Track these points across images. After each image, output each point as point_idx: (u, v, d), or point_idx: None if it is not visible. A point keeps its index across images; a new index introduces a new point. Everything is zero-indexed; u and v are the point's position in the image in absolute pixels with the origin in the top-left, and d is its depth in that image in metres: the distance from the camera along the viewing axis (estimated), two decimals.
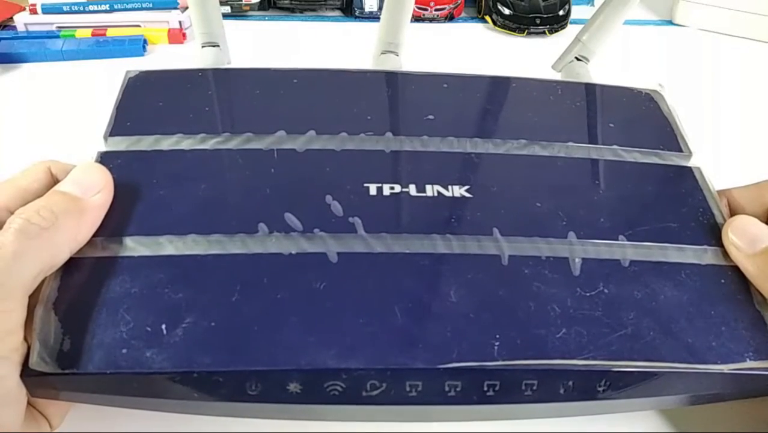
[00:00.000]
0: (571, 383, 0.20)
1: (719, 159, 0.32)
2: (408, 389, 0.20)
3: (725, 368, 0.20)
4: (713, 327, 0.21)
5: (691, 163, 0.28)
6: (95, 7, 0.56)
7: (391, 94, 0.30)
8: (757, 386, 0.21)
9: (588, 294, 0.22)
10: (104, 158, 0.25)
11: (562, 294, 0.21)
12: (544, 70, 0.37)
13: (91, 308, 0.20)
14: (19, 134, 0.42)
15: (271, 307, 0.20)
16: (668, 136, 0.29)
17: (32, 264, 0.19)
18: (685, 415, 0.25)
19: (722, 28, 0.62)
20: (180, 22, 0.55)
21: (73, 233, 0.21)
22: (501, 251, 0.23)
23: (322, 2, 0.64)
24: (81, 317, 0.20)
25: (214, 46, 0.34)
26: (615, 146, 0.28)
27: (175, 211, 0.23)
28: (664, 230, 0.24)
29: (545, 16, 0.59)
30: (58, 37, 0.53)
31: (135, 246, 0.22)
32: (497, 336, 0.20)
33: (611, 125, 0.29)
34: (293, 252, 0.22)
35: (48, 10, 0.56)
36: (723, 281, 0.23)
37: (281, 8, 0.64)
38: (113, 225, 0.22)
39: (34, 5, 0.55)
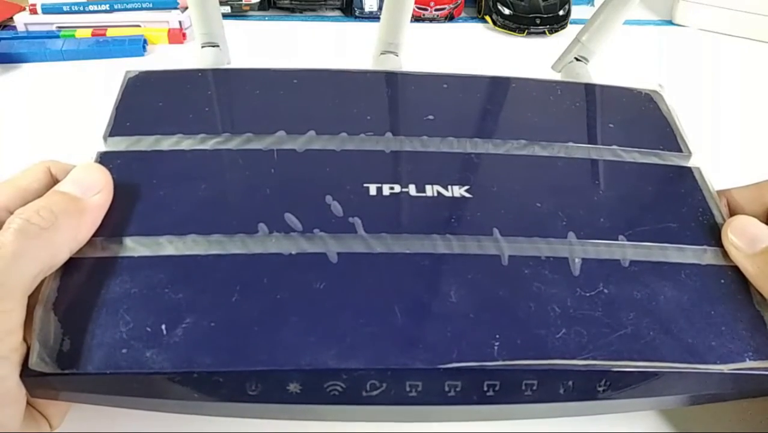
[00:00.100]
0: (571, 383, 0.20)
1: (719, 159, 0.32)
2: (408, 389, 0.20)
3: (725, 368, 0.20)
4: (713, 327, 0.21)
5: (691, 163, 0.28)
6: (95, 7, 0.56)
7: (391, 95, 0.30)
8: (757, 386, 0.21)
9: (588, 294, 0.22)
10: (104, 158, 0.25)
11: (562, 294, 0.21)
12: (544, 70, 0.37)
13: (90, 308, 0.20)
14: (19, 134, 0.42)
15: (271, 307, 0.20)
16: (668, 136, 0.29)
17: (32, 264, 0.19)
18: (685, 415, 0.25)
19: (722, 28, 0.62)
20: (180, 22, 0.55)
21: (73, 233, 0.21)
22: (501, 251, 0.23)
23: (322, 2, 0.64)
24: (81, 318, 0.20)
25: (214, 46, 0.34)
26: (615, 146, 0.28)
27: (175, 212, 0.23)
28: (663, 230, 0.24)
29: (545, 16, 0.59)
30: (58, 37, 0.53)
31: (135, 246, 0.22)
32: (497, 336, 0.20)
33: (611, 125, 0.29)
34: (293, 252, 0.22)
35: (48, 10, 0.56)
36: (723, 281, 0.23)
37: (281, 8, 0.64)
38: (113, 225, 0.22)
39: (34, 5, 0.55)
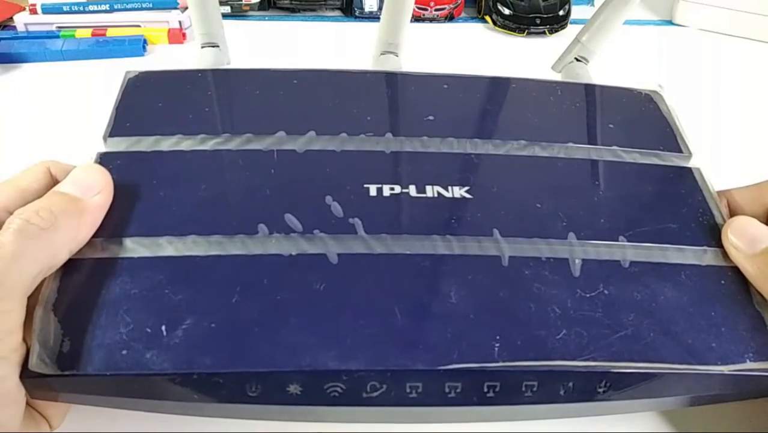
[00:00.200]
0: (571, 384, 0.20)
1: (719, 159, 0.32)
2: (408, 390, 0.20)
3: (725, 369, 0.20)
4: (713, 328, 0.21)
5: (691, 163, 0.28)
6: (95, 7, 0.56)
7: (391, 95, 0.30)
8: (757, 387, 0.21)
9: (588, 295, 0.22)
10: (104, 159, 0.25)
11: (562, 295, 0.21)
12: (544, 71, 0.37)
13: (90, 309, 0.20)
14: (19, 134, 0.42)
15: (272, 308, 0.20)
16: (668, 136, 0.29)
17: (31, 264, 0.19)
18: (685, 415, 0.25)
19: (722, 28, 0.62)
20: (180, 22, 0.55)
21: (73, 234, 0.21)
22: (501, 251, 0.23)
23: (322, 2, 0.64)
24: (81, 319, 0.20)
25: (213, 46, 0.34)
26: (615, 147, 0.28)
27: (175, 212, 0.23)
28: (664, 230, 0.24)
29: (545, 16, 0.59)
30: (58, 37, 0.53)
31: (135, 247, 0.22)
32: (497, 337, 0.20)
33: (611, 126, 0.29)
34: (293, 253, 0.22)
35: (48, 10, 0.56)
36: (723, 281, 0.23)
37: (281, 8, 0.64)
38: (113, 226, 0.22)
39: (34, 5, 0.55)
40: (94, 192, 0.22)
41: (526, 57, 0.57)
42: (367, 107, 0.28)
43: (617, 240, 0.23)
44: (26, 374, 0.19)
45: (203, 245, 0.22)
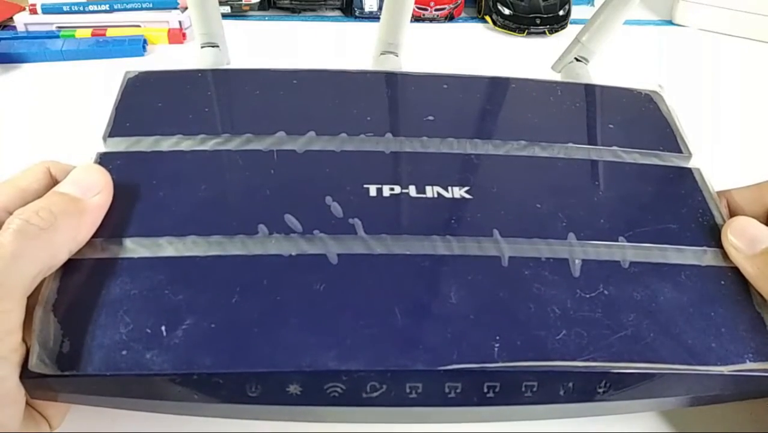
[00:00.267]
0: (571, 384, 0.20)
1: (719, 160, 0.32)
2: (408, 390, 0.20)
3: (725, 369, 0.20)
4: (713, 328, 0.21)
5: (691, 164, 0.28)
6: (95, 7, 0.56)
7: (390, 95, 0.30)
8: (756, 388, 0.21)
9: (588, 295, 0.22)
10: (103, 159, 0.25)
11: (562, 295, 0.21)
12: (544, 71, 0.37)
13: (90, 309, 0.20)
14: (19, 134, 0.42)
15: (271, 308, 0.20)
16: (668, 137, 0.29)
17: (31, 264, 0.19)
18: (685, 416, 0.25)
19: (722, 28, 0.62)
20: (180, 22, 0.55)
21: (73, 234, 0.21)
22: (501, 252, 0.23)
23: (322, 2, 0.64)
24: (80, 319, 0.20)
25: (213, 46, 0.34)
26: (615, 147, 0.28)
27: (175, 213, 0.23)
28: (663, 231, 0.24)
29: (545, 16, 0.59)
30: (58, 37, 0.53)
31: (135, 247, 0.22)
32: (497, 338, 0.20)
33: (611, 126, 0.29)
34: (293, 253, 0.22)
35: (48, 10, 0.56)
36: (723, 282, 0.23)
37: (281, 8, 0.64)
38: (113, 226, 0.22)
39: (34, 5, 0.55)
40: (93, 192, 0.22)
41: (526, 57, 0.57)
42: (367, 107, 0.28)
43: (617, 240, 0.23)
44: (26, 374, 0.19)
45: (203, 245, 0.22)
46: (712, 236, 0.24)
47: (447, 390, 0.20)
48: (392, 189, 0.24)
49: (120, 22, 0.55)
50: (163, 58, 0.53)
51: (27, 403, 0.20)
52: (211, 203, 0.23)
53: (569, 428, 0.24)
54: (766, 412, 0.24)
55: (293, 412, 0.21)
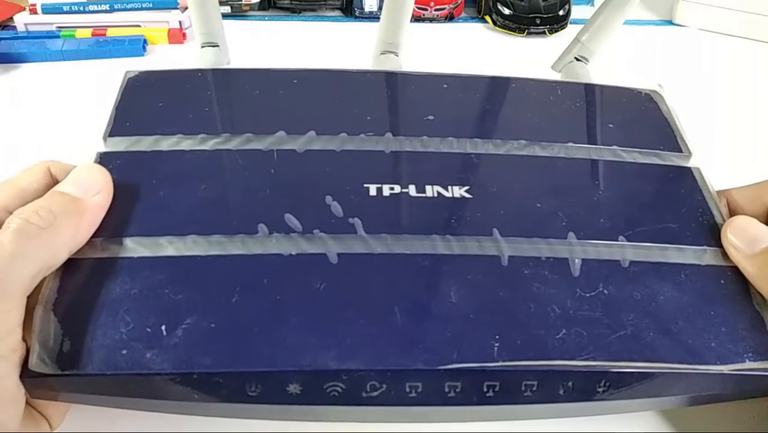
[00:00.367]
0: (570, 383, 0.20)
1: (719, 159, 0.32)
2: (408, 390, 0.20)
3: (725, 368, 0.20)
4: (713, 328, 0.21)
5: (691, 163, 0.28)
6: (95, 7, 0.56)
7: (390, 95, 0.30)
8: (756, 387, 0.21)
9: (588, 295, 0.22)
10: (103, 159, 0.25)
11: (561, 295, 0.21)
12: (544, 70, 0.37)
13: (90, 309, 0.20)
14: (19, 134, 0.42)
15: (271, 308, 0.20)
16: (668, 136, 0.29)
17: (31, 264, 0.19)
18: (685, 415, 0.25)
19: (722, 28, 0.62)
20: (180, 22, 0.55)
21: (72, 234, 0.21)
22: (501, 251, 0.23)
23: (322, 2, 0.64)
24: (81, 318, 0.20)
25: (213, 46, 0.34)
26: (615, 147, 0.28)
27: (175, 212, 0.23)
28: (663, 230, 0.24)
29: (545, 16, 0.59)
30: (58, 37, 0.53)
31: (135, 247, 0.22)
32: (497, 337, 0.20)
33: (611, 126, 0.29)
34: (293, 253, 0.22)
35: (48, 10, 0.56)
36: (722, 281, 0.23)
37: (281, 8, 0.64)
38: (113, 226, 0.22)
39: (34, 5, 0.55)
40: (93, 192, 0.22)
41: (526, 57, 0.57)
42: (367, 107, 0.28)
43: (617, 240, 0.23)
44: (26, 374, 0.19)
45: (203, 244, 0.22)
46: (712, 235, 0.24)
47: (447, 389, 0.20)
48: (392, 188, 0.24)
49: (120, 22, 0.55)
50: (163, 58, 0.53)
51: (27, 403, 0.20)
52: (211, 203, 0.23)
53: (569, 428, 0.24)
54: (766, 412, 0.24)
55: (293, 411, 0.21)
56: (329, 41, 0.59)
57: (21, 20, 0.55)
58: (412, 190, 0.24)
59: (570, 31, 0.60)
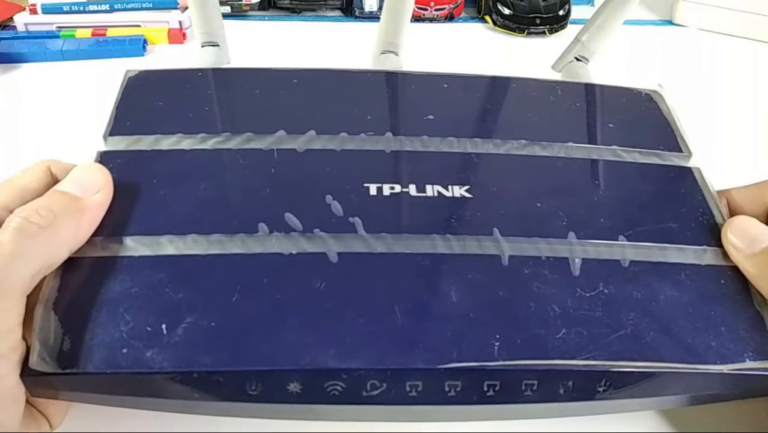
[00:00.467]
0: (571, 383, 0.20)
1: (719, 159, 0.32)
2: (408, 389, 0.20)
3: (725, 368, 0.20)
4: (713, 327, 0.21)
5: (691, 163, 0.28)
6: (95, 7, 0.56)
7: (391, 94, 0.30)
8: (756, 387, 0.21)
9: (588, 294, 0.22)
10: (104, 158, 0.25)
11: (562, 294, 0.21)
12: (544, 70, 0.37)
13: (91, 307, 0.20)
14: (19, 134, 0.42)
15: (272, 307, 0.20)
16: (668, 136, 0.29)
17: (31, 263, 0.19)
18: (685, 415, 0.25)
19: (722, 28, 0.62)
20: (180, 22, 0.55)
21: (73, 232, 0.21)
22: (501, 251, 0.23)
23: (322, 2, 0.64)
24: (81, 317, 0.20)
25: (214, 45, 0.34)
26: (615, 147, 0.28)
27: (176, 211, 0.23)
28: (663, 230, 0.24)
29: (545, 16, 0.59)
30: (58, 37, 0.53)
31: (135, 246, 0.22)
32: (497, 336, 0.20)
33: (611, 125, 0.29)
34: (293, 252, 0.22)
35: (48, 10, 0.56)
36: (723, 281, 0.23)
37: (281, 8, 0.64)
38: (113, 225, 0.22)
39: (34, 5, 0.55)
40: (94, 191, 0.22)
41: (526, 57, 0.57)
42: (367, 107, 0.28)
43: (617, 239, 0.23)
44: (26, 373, 0.19)
45: (203, 243, 0.22)
46: (712, 235, 0.24)
47: (447, 389, 0.20)
48: (392, 188, 0.24)
49: (120, 22, 0.55)
50: (163, 58, 0.53)
51: (27, 401, 0.20)
52: (211, 202, 0.23)
53: (569, 428, 0.24)
54: (766, 411, 0.24)
55: (293, 410, 0.21)
56: (329, 41, 0.59)
57: (21, 20, 0.55)
58: (412, 189, 0.24)
59: (570, 31, 0.60)
